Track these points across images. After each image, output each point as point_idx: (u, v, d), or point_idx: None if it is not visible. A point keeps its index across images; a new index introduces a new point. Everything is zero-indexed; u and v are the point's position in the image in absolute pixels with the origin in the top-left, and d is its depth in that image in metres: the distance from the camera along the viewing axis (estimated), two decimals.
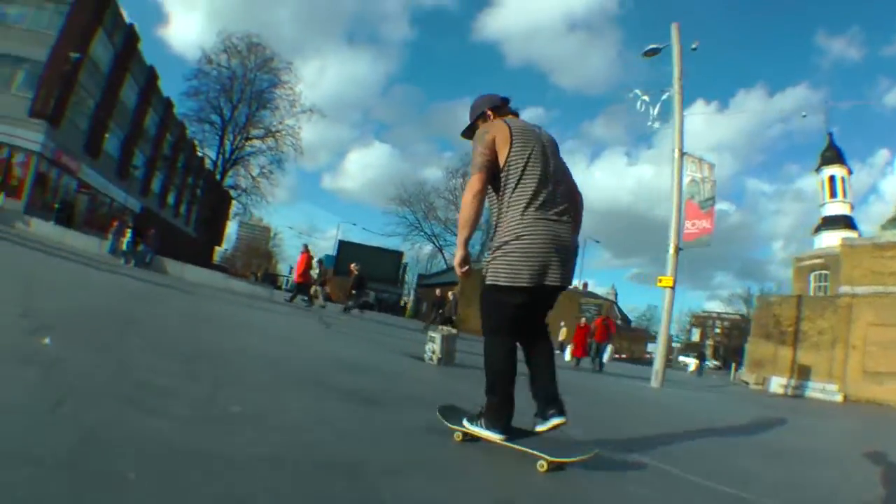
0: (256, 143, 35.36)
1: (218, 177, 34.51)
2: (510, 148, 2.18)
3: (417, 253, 46.57)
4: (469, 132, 2.46)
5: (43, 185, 22.91)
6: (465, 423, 2.29)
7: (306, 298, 14.62)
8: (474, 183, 2.16)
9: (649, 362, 41.76)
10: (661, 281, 11.84)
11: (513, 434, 2.20)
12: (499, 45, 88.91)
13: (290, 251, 78.90)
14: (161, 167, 36.37)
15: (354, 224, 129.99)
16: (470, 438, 2.29)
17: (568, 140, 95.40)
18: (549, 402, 2.19)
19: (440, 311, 15.52)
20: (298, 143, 35.30)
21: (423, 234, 42.17)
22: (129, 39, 27.95)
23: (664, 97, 12.92)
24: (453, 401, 2.81)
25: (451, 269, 39.97)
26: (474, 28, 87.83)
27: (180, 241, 29.44)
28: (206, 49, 32.30)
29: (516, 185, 2.16)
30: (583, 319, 16.07)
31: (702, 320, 77.81)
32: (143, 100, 31.41)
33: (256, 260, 74.53)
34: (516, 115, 2.45)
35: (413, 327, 16.53)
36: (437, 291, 16.52)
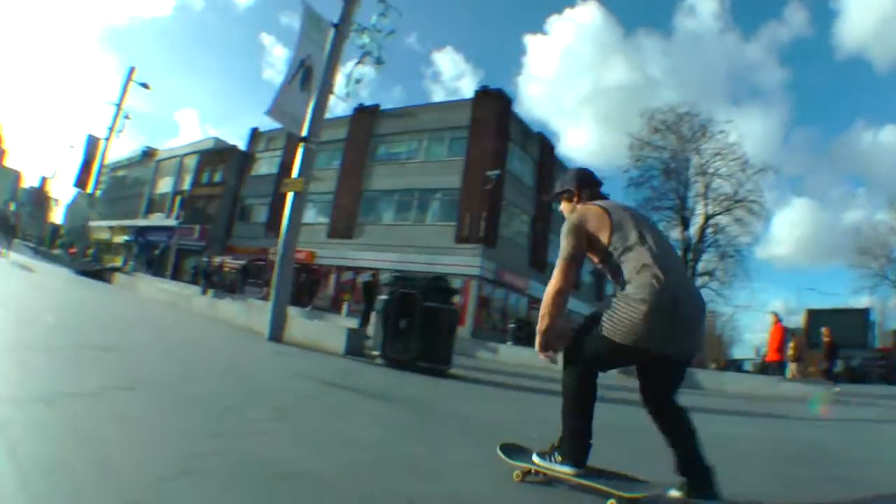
0: (720, 219, 28.54)
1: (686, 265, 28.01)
2: (612, 224, 2.08)
3: (884, 306, 34.86)
4: (554, 197, 2.41)
5: (486, 307, 22.23)
6: (535, 458, 2.15)
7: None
8: (560, 279, 2.07)
9: None
10: None
11: (587, 470, 2.06)
12: (862, 53, 71.07)
13: (743, 333, 74.30)
14: None
15: (812, 289, 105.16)
16: (531, 479, 2.15)
17: None
18: (700, 475, 1.92)
19: None
20: (762, 207, 27.80)
21: (888, 281, 33.52)
22: (543, 148, 27.41)
23: None
24: None
25: None
26: (835, 46, 72.55)
27: None
28: (632, 134, 28.85)
29: (640, 251, 2.01)
30: None
31: None
32: None
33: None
34: (605, 198, 2.31)
35: None
36: None
